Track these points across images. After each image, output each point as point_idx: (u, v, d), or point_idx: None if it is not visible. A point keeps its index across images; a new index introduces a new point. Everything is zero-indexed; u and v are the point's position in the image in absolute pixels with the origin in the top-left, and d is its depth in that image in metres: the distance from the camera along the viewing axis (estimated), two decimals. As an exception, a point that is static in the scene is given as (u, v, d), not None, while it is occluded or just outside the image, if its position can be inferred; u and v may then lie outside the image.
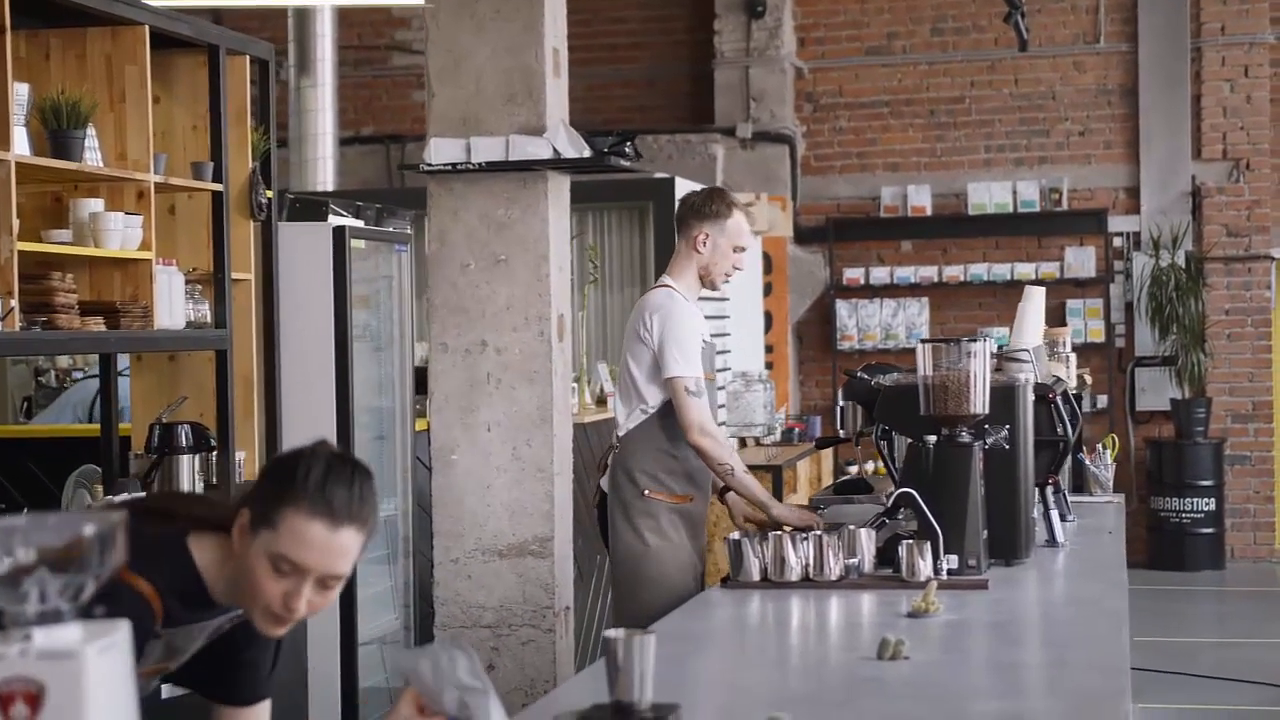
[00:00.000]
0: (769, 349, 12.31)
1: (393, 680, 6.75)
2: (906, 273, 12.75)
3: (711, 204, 5.29)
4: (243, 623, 2.75)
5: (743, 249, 5.32)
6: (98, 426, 5.73)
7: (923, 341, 4.43)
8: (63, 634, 1.75)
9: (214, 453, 5.52)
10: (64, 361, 8.84)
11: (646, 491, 5.17)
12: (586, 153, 5.76)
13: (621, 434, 5.26)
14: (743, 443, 10.20)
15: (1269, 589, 11.79)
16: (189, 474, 5.37)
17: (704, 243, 5.25)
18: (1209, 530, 12.16)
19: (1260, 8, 12.42)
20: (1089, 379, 8.96)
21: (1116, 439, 6.97)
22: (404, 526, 6.85)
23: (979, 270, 12.63)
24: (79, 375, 8.88)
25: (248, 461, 5.82)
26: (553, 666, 5.59)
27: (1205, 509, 12.13)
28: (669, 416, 5.17)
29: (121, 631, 1.79)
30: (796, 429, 10.89)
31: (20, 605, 1.75)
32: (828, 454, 11.03)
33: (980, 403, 4.37)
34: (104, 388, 5.63)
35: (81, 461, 5.83)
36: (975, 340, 4.39)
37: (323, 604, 2.59)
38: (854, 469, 12.11)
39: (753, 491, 5.13)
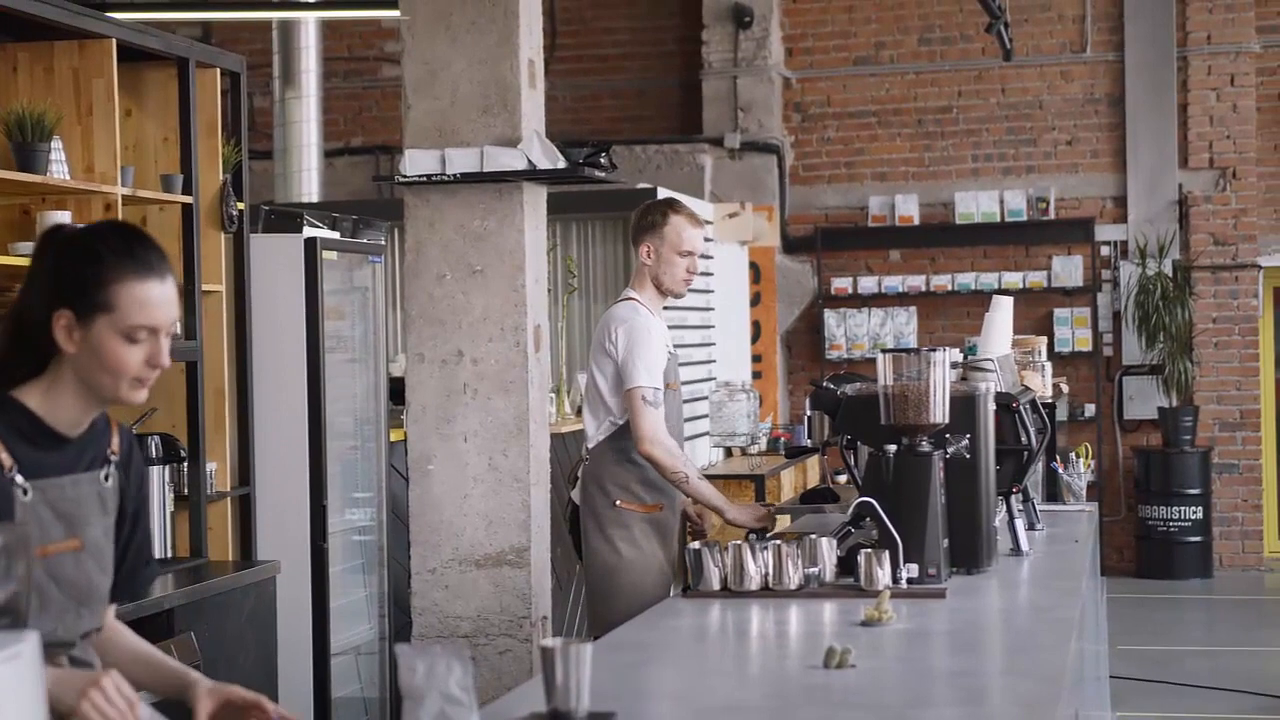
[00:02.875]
0: (757, 358, 12.34)
1: (367, 690, 6.76)
2: (894, 282, 12.77)
3: (648, 215, 5.41)
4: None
5: (689, 253, 5.38)
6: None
7: (884, 351, 4.45)
8: (-35, 644, 1.77)
9: (184, 464, 5.54)
10: None
11: (618, 502, 5.26)
12: (561, 164, 5.78)
13: (591, 445, 5.35)
14: (727, 452, 10.22)
15: (1256, 597, 11.79)
16: (159, 485, 5.39)
17: (649, 254, 5.36)
18: (1197, 539, 12.17)
19: (1246, 17, 12.44)
20: (1065, 388, 8.97)
21: (1090, 448, 6.98)
22: (380, 536, 6.86)
23: (966, 279, 12.65)
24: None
25: (219, 473, 5.84)
26: (530, 676, 5.60)
27: (1193, 517, 12.14)
28: None
29: (29, 643, 1.81)
30: (783, 439, 10.89)
31: (-77, 616, 1.76)
32: (814, 463, 11.04)
33: (940, 412, 4.38)
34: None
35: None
36: (935, 350, 4.41)
37: (166, 361, 2.70)
38: (843, 478, 12.12)
39: (707, 498, 5.20)
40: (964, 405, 4.52)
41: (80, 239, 2.69)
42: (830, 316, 12.84)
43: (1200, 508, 12.15)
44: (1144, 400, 12.47)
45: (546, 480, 5.94)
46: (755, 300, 12.33)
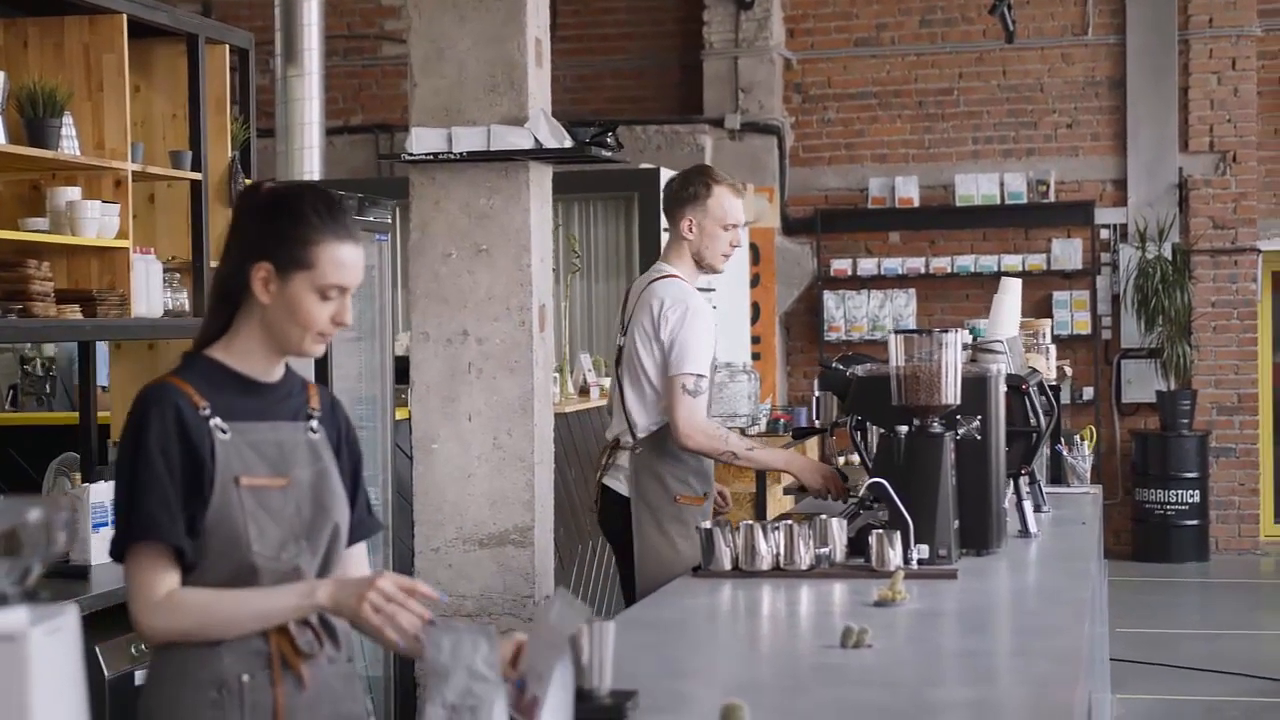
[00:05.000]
0: (756, 340, 12.34)
1: (371, 669, 6.77)
2: (894, 264, 12.78)
3: (689, 186, 5.16)
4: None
5: (732, 225, 5.15)
6: (77, 415, 5.74)
7: (895, 332, 4.45)
8: (8, 617, 1.77)
9: (192, 441, 5.52)
10: (50, 349, 8.85)
11: (678, 497, 5.05)
12: (568, 143, 5.77)
13: (641, 435, 5.10)
14: (728, 433, 10.20)
15: (1252, 581, 11.83)
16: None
17: (690, 228, 5.14)
18: (1193, 522, 12.20)
19: (1247, 0, 12.43)
20: (1069, 371, 8.99)
21: (1095, 430, 6.99)
22: (384, 515, 6.86)
23: (966, 262, 12.66)
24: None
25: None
26: (532, 656, 5.61)
27: (1190, 501, 12.17)
28: None
29: (70, 616, 1.81)
30: (783, 420, 10.90)
31: (-35, 588, 1.77)
32: (814, 444, 11.06)
33: (952, 393, 4.38)
34: (82, 376, 5.64)
35: (63, 449, 5.85)
36: (947, 331, 4.41)
37: (349, 320, 2.88)
38: (841, 459, 12.13)
39: (768, 464, 5.10)
40: (975, 387, 4.52)
41: (285, 199, 2.86)
42: (829, 298, 12.85)
43: (1197, 491, 12.18)
44: (1142, 384, 12.49)
45: (550, 460, 5.94)
46: (755, 281, 12.33)
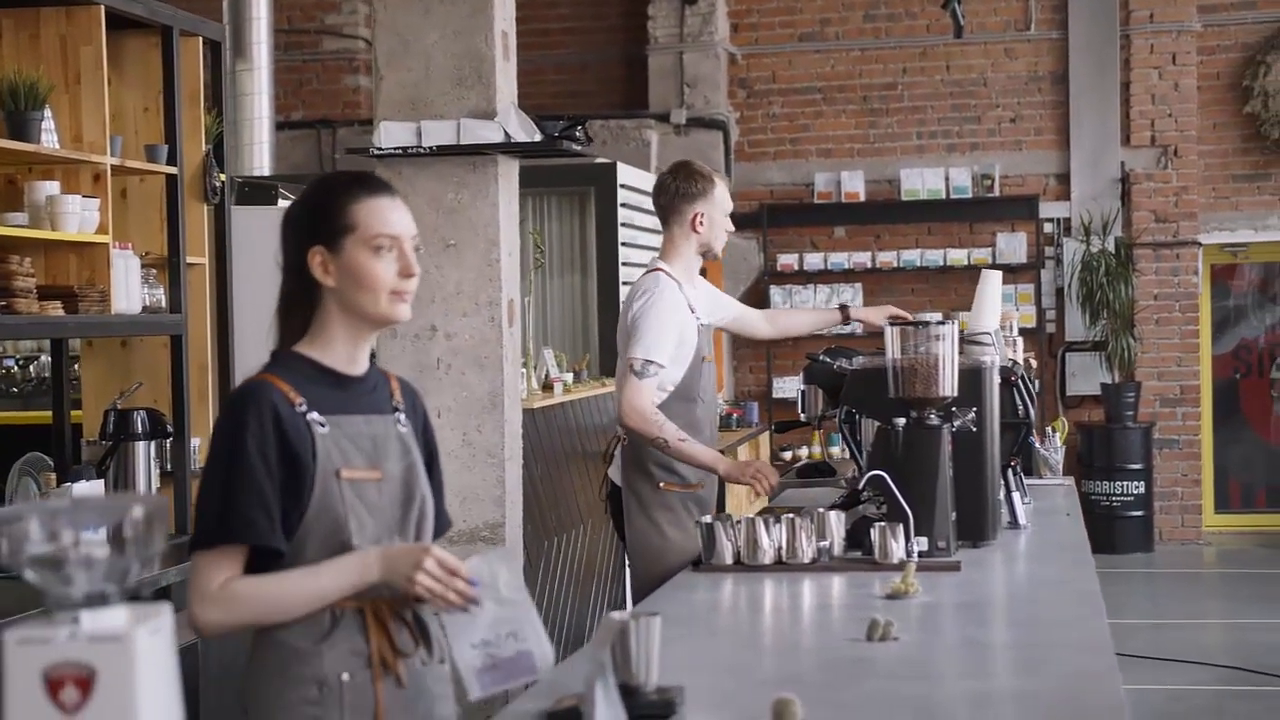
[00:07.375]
0: (703, 335, 12.33)
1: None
2: (840, 259, 12.81)
3: (696, 183, 5.23)
4: None
5: (729, 211, 5.34)
6: (48, 414, 5.64)
7: (891, 324, 4.44)
8: (111, 617, 1.73)
9: (169, 439, 5.45)
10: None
11: (662, 484, 5.12)
12: (537, 137, 5.75)
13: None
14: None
15: (1197, 570, 11.95)
16: (144, 460, 5.30)
17: (701, 222, 5.23)
18: (1138, 513, 12.31)
19: (1188, -4, 12.57)
20: (1034, 362, 9.03)
21: (1066, 422, 7.02)
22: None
23: (912, 256, 12.70)
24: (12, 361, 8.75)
25: (203, 448, 5.75)
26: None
27: (1135, 492, 12.28)
28: (676, 404, 5.09)
29: (165, 615, 1.77)
30: (734, 415, 10.92)
31: (67, 588, 1.72)
32: (765, 439, 11.08)
33: (949, 385, 4.38)
34: (56, 373, 5.54)
35: (28, 449, 5.74)
36: (944, 323, 4.41)
37: (417, 270, 2.84)
38: (788, 455, 12.17)
39: (697, 459, 5.06)
40: (970, 378, 4.53)
41: (311, 190, 2.89)
42: (776, 293, 12.86)
43: (1141, 483, 12.29)
44: (1087, 376, 12.59)
45: (519, 455, 5.92)
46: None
